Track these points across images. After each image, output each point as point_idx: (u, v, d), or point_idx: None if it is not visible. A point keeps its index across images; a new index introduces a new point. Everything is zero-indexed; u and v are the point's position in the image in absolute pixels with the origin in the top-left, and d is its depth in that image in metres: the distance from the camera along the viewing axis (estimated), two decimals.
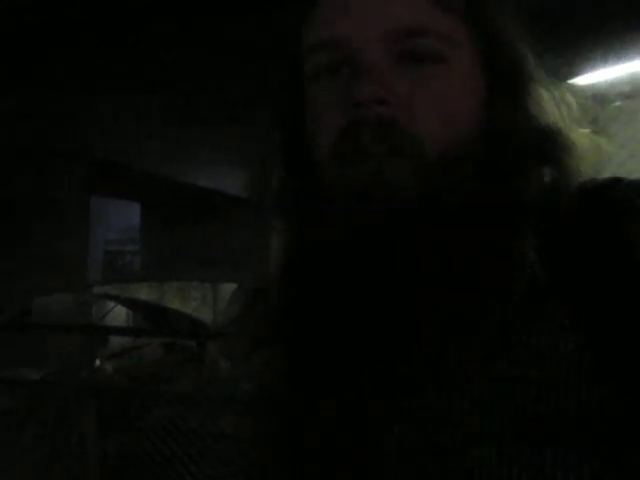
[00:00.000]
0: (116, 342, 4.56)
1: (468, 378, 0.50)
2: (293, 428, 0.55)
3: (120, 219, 10.25)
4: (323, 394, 0.53)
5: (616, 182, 0.52)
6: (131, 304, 5.04)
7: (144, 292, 6.05)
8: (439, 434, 0.50)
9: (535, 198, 0.52)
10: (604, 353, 0.49)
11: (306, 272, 0.54)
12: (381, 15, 0.52)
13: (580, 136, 0.55)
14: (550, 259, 0.52)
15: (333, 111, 0.54)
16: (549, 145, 0.54)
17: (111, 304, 5.26)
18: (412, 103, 0.52)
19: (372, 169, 0.50)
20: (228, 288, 5.63)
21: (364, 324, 0.51)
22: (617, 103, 4.00)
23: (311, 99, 0.57)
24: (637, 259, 0.49)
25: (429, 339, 0.50)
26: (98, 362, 3.95)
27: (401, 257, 0.50)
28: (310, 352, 0.54)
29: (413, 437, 0.51)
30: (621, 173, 0.54)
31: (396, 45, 0.52)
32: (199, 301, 5.83)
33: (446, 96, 0.52)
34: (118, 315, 5.38)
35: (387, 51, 0.52)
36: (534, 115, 0.54)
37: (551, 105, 0.56)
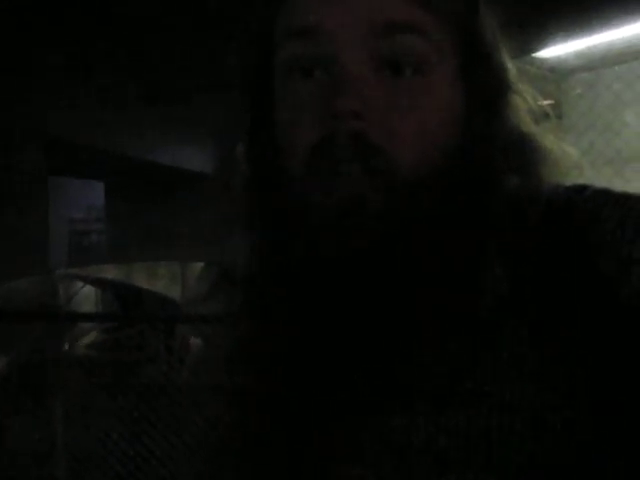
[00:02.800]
0: (85, 323, 4.53)
1: (434, 400, 0.48)
2: (253, 453, 0.54)
3: (85, 198, 10.09)
4: (284, 421, 0.52)
5: (581, 190, 0.52)
6: (100, 284, 4.99)
7: (112, 272, 6.00)
8: (406, 460, 0.49)
9: (504, 211, 0.51)
10: (570, 373, 0.47)
11: (271, 285, 0.53)
12: (364, 7, 0.49)
13: (550, 142, 0.55)
14: (515, 274, 0.50)
15: (306, 119, 0.51)
16: (524, 157, 0.53)
17: (79, 284, 5.21)
18: (390, 118, 0.49)
19: (344, 188, 0.48)
20: (196, 265, 5.62)
21: (328, 343, 0.50)
22: (578, 90, 4.07)
23: (283, 95, 0.54)
24: (601, 271, 0.48)
25: (394, 359, 0.49)
26: (66, 345, 3.93)
27: (369, 277, 0.48)
28: (271, 379, 0.53)
29: (381, 463, 0.49)
30: (582, 163, 0.55)
31: (378, 42, 0.49)
32: (168, 279, 5.81)
33: (425, 112, 0.50)
34: (87, 296, 5.33)
35: (368, 52, 0.49)
36: (511, 126, 0.53)
37: (525, 113, 0.55)
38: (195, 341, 3.62)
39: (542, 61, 3.86)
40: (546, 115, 0.56)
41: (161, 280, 5.75)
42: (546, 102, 0.57)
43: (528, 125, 0.55)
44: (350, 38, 0.49)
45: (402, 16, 0.49)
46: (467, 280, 0.49)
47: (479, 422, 0.47)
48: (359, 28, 0.49)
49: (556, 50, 4.09)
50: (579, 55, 4.20)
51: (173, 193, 7.91)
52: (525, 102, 0.55)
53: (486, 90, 0.52)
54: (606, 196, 0.50)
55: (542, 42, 3.81)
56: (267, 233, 0.54)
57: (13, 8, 4.06)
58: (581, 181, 0.53)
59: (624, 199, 0.49)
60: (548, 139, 0.55)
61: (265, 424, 0.53)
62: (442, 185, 0.49)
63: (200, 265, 5.33)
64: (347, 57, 0.49)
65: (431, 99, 0.50)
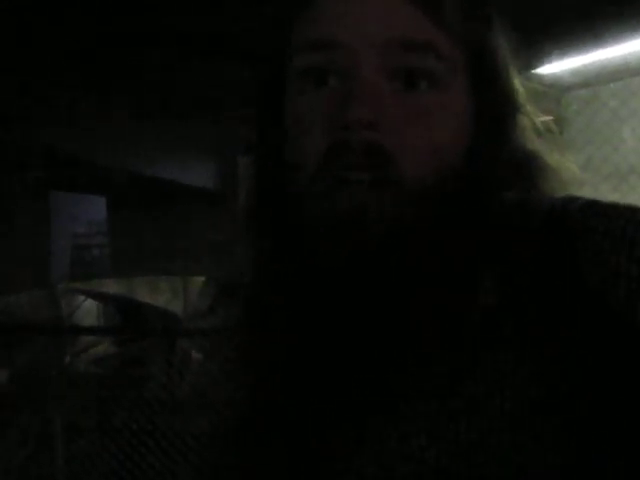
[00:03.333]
0: (87, 337, 4.54)
1: (424, 411, 0.49)
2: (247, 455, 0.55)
3: (86, 213, 10.11)
4: (283, 430, 0.52)
5: (571, 202, 0.52)
6: (102, 298, 5.00)
7: (113, 286, 6.03)
8: (396, 470, 0.49)
9: (502, 222, 0.52)
10: (559, 384, 0.47)
11: (274, 293, 0.53)
12: (381, 24, 0.50)
13: (554, 159, 0.56)
14: (506, 286, 0.51)
15: (318, 127, 0.51)
16: (528, 174, 0.54)
17: (81, 298, 5.22)
18: (402, 130, 0.49)
19: (352, 196, 0.49)
20: (198, 280, 5.62)
21: (328, 352, 0.50)
22: (574, 107, 4.12)
23: (294, 106, 0.54)
24: (590, 282, 0.48)
25: (385, 370, 0.50)
26: (68, 359, 3.93)
27: (372, 285, 0.49)
28: (267, 387, 0.53)
29: (371, 472, 0.50)
30: (583, 179, 0.57)
31: (393, 58, 0.50)
32: (169, 293, 5.82)
33: (437, 125, 0.50)
34: (89, 310, 5.34)
35: (383, 66, 0.50)
36: (517, 144, 0.54)
37: (530, 131, 0.56)
38: (196, 356, 3.62)
39: (540, 78, 3.91)
40: (550, 131, 0.58)
41: (163, 294, 5.75)
42: (548, 118, 0.58)
43: (533, 143, 0.56)
44: (366, 52, 0.50)
45: (419, 35, 0.50)
46: (463, 291, 0.50)
47: (475, 427, 0.47)
48: (376, 44, 0.49)
49: (552, 68, 4.15)
50: (575, 72, 4.25)
51: (174, 207, 7.93)
52: (530, 121, 0.56)
53: (495, 109, 0.53)
54: (594, 206, 0.51)
55: (539, 60, 3.86)
56: (272, 242, 0.54)
57: (12, 22, 4.10)
58: (577, 194, 0.54)
59: (611, 209, 0.50)
60: (552, 156, 0.56)
61: (264, 433, 0.54)
62: (446, 198, 0.50)
63: (201, 280, 5.34)
64: (362, 68, 0.50)
65: (443, 113, 0.51)
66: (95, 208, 9.59)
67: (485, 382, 0.48)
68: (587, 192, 0.56)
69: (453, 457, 0.47)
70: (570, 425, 0.47)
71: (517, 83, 0.55)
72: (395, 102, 0.50)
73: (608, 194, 3.86)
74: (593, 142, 4.28)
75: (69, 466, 2.84)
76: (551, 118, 0.59)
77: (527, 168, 0.54)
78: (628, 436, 0.46)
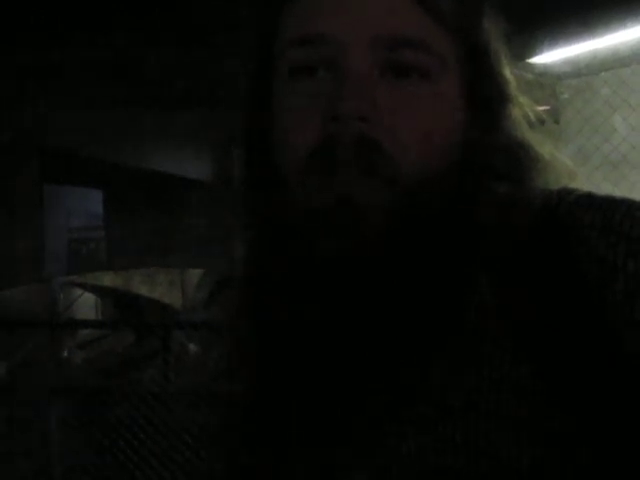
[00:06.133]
0: (84, 330, 4.55)
1: (421, 412, 0.49)
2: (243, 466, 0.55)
3: (84, 206, 10.12)
4: (275, 423, 0.53)
5: (565, 195, 0.52)
6: (99, 291, 5.02)
7: (110, 279, 6.05)
8: (395, 469, 0.49)
9: (494, 219, 0.51)
10: (556, 382, 0.47)
11: (267, 286, 0.52)
12: (372, 18, 0.49)
13: (547, 151, 0.55)
14: (502, 283, 0.50)
15: (307, 120, 0.50)
16: (521, 166, 0.53)
17: (78, 292, 5.25)
18: (394, 122, 0.49)
19: (343, 189, 0.48)
20: (195, 272, 5.63)
21: (316, 358, 0.50)
22: (565, 96, 4.12)
23: (282, 100, 0.53)
24: (585, 279, 0.47)
25: (381, 373, 0.49)
26: (66, 353, 3.95)
27: (364, 280, 0.48)
28: (261, 396, 0.53)
29: (370, 472, 0.49)
30: (576, 171, 0.56)
31: (383, 53, 0.49)
32: (166, 286, 5.85)
33: (429, 118, 0.50)
34: (85, 303, 5.36)
35: (373, 59, 0.49)
36: (509, 137, 0.53)
37: (523, 122, 0.55)
38: (193, 348, 3.63)
39: (532, 67, 3.90)
40: (542, 122, 0.57)
41: (160, 287, 5.78)
42: (543, 108, 0.57)
43: (525, 134, 0.55)
44: (356, 45, 0.49)
45: (410, 31, 0.49)
46: (453, 294, 0.49)
47: (473, 426, 0.47)
48: (365, 38, 0.49)
49: (544, 57, 4.15)
50: (566, 62, 4.24)
51: (171, 200, 7.94)
52: (523, 112, 0.56)
53: (487, 101, 0.53)
54: (589, 200, 0.50)
55: (532, 49, 3.85)
56: (263, 235, 0.54)
57: (10, 16, 4.09)
58: (571, 186, 0.53)
59: (607, 203, 0.49)
60: (545, 147, 0.55)
61: (263, 429, 0.54)
62: (439, 191, 0.49)
63: (199, 272, 5.34)
64: (352, 60, 0.49)
65: (435, 104, 0.50)
66: (92, 202, 9.59)
67: (483, 381, 0.48)
68: (578, 181, 0.56)
69: (452, 456, 0.47)
70: (569, 424, 0.46)
71: (509, 74, 0.55)
72: (386, 94, 0.49)
73: (599, 183, 3.87)
74: (584, 131, 4.28)
75: (64, 460, 2.85)
76: (547, 108, 0.59)
77: (519, 159, 0.54)
78: (627, 435, 0.46)
